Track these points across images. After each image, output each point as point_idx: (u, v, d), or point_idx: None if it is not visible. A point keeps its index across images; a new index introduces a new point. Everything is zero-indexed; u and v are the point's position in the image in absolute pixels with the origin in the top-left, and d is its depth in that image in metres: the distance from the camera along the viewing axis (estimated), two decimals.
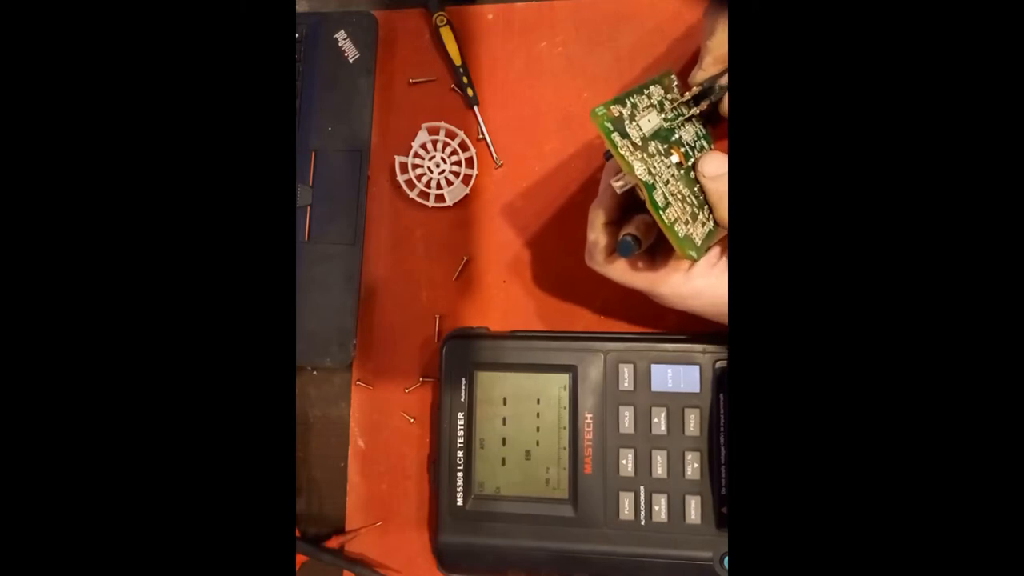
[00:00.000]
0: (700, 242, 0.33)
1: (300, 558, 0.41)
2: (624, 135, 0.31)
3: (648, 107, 0.33)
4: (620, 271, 0.35)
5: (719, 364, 0.36)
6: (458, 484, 0.37)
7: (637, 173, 0.30)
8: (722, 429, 0.36)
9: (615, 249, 0.33)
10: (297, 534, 0.42)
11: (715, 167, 0.33)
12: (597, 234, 0.35)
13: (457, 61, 0.43)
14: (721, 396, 0.36)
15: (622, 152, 0.30)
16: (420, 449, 0.42)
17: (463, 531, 0.37)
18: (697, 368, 0.36)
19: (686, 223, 0.32)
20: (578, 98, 0.43)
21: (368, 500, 0.42)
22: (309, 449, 0.43)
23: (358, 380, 0.43)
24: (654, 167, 0.32)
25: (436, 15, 0.44)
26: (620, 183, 0.31)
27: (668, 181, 0.32)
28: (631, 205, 0.34)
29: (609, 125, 0.30)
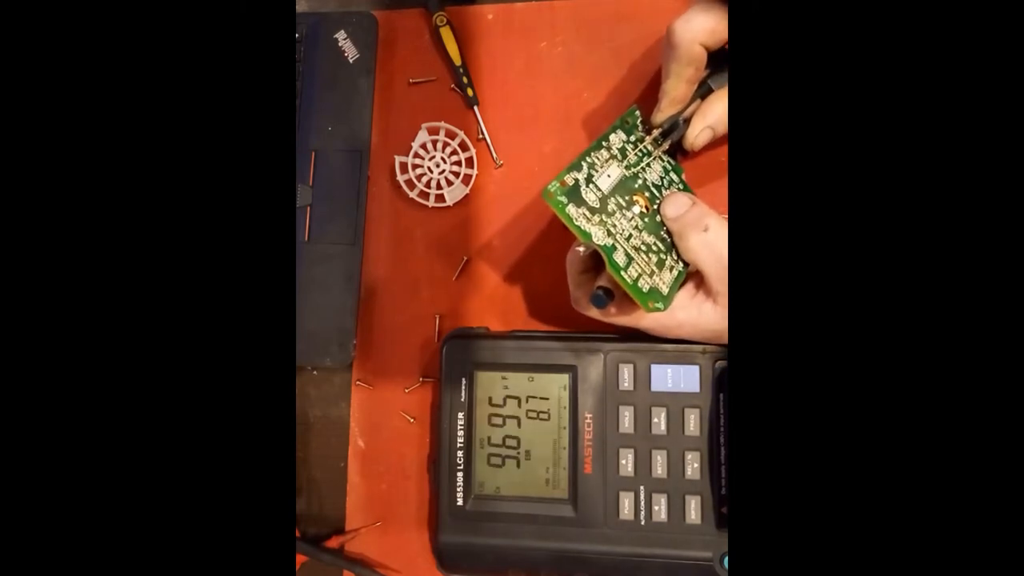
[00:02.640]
0: (668, 289, 0.33)
1: (300, 558, 0.41)
2: (580, 203, 0.31)
3: (608, 160, 0.34)
4: (602, 314, 0.35)
5: (719, 364, 0.36)
6: (458, 484, 0.37)
7: (595, 239, 0.31)
8: (722, 429, 0.36)
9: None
10: (297, 534, 0.42)
11: (675, 208, 0.35)
12: (575, 285, 0.36)
13: (457, 61, 0.43)
14: (721, 396, 0.36)
15: (578, 224, 0.31)
16: (420, 449, 0.42)
17: (463, 531, 0.37)
18: (697, 368, 0.36)
19: (651, 274, 0.33)
20: (578, 98, 0.43)
21: (368, 500, 0.42)
22: (309, 449, 0.43)
23: (358, 380, 0.43)
24: (614, 225, 0.32)
25: (436, 15, 0.44)
26: (582, 248, 0.32)
27: (630, 236, 0.33)
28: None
29: (563, 199, 0.31)
